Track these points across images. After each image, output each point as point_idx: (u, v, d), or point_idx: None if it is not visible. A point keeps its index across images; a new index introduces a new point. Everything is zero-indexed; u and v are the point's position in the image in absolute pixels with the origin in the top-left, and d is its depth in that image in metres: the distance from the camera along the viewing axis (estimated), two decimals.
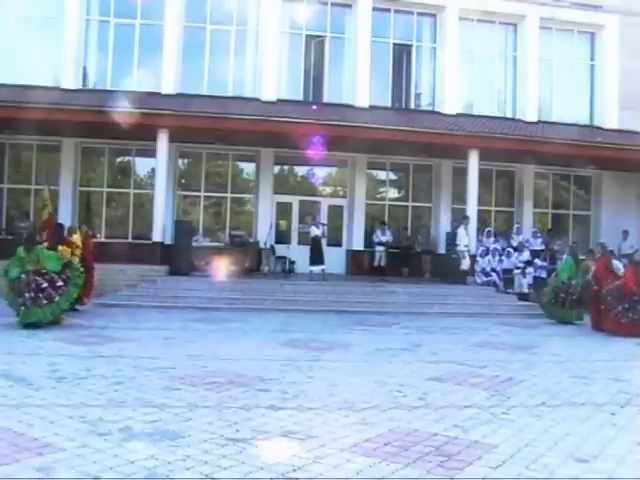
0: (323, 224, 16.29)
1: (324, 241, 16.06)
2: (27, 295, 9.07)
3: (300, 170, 19.18)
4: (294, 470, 3.74)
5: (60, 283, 9.39)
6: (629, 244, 17.10)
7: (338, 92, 18.34)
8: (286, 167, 19.23)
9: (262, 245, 16.82)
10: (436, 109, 18.53)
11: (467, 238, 15.79)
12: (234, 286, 14.14)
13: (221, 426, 4.58)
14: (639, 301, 11.06)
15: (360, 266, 17.76)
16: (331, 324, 11.28)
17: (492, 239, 17.08)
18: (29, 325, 9.01)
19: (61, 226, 11.93)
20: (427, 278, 17.26)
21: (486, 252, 16.38)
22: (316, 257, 15.47)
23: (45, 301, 9.18)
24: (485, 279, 15.98)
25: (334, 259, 16.41)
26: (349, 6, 18.34)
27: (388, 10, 18.41)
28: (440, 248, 17.63)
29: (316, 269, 15.43)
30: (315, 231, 15.69)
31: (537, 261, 16.11)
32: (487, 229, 17.50)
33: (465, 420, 4.96)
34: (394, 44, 18.59)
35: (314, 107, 16.74)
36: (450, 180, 18.58)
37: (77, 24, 16.85)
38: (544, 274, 15.61)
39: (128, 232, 17.52)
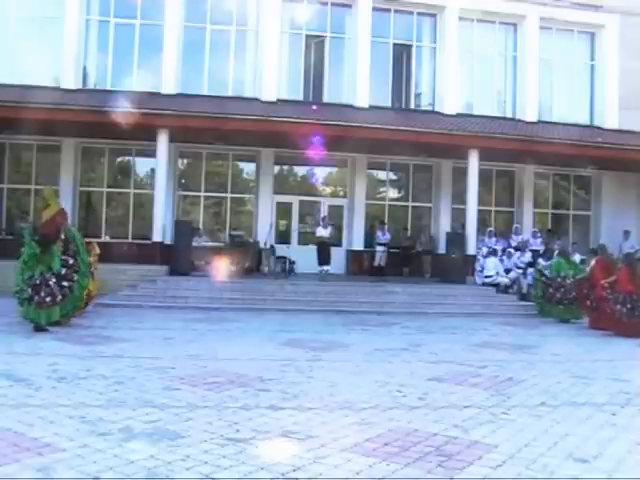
0: (332, 224, 16.47)
1: (331, 242, 16.28)
2: (42, 294, 9.03)
3: (300, 170, 19.20)
4: (294, 470, 3.74)
5: (65, 283, 9.36)
6: (630, 244, 17.09)
7: (338, 92, 18.35)
8: (286, 167, 19.23)
9: (262, 245, 16.83)
10: (436, 109, 18.55)
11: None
12: (234, 286, 14.14)
13: (221, 426, 4.58)
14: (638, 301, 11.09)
15: (360, 266, 17.80)
16: (331, 324, 11.28)
17: (494, 239, 17.09)
18: (40, 328, 8.96)
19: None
20: (427, 278, 17.27)
21: (493, 253, 16.32)
22: (321, 257, 15.77)
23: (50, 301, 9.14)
24: (504, 279, 15.96)
25: (334, 259, 16.43)
26: (349, 6, 18.35)
27: (388, 10, 18.42)
28: (440, 248, 17.61)
29: (324, 268, 15.76)
30: (321, 232, 15.85)
31: (541, 261, 16.08)
32: (488, 229, 17.53)
33: (465, 420, 4.96)
34: (394, 44, 18.61)
35: (314, 107, 16.75)
36: (450, 180, 18.58)
37: (77, 24, 16.86)
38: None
39: (128, 232, 17.53)
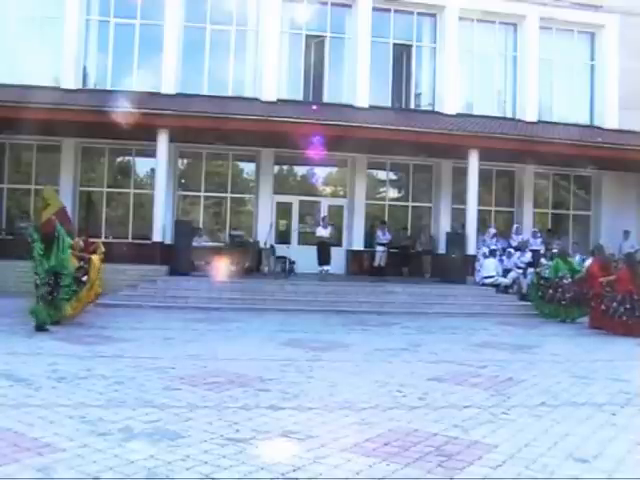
0: (332, 224, 16.51)
1: (331, 242, 16.32)
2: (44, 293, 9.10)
3: (300, 170, 19.20)
4: (294, 470, 3.74)
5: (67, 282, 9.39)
6: (630, 244, 17.10)
7: (338, 92, 18.35)
8: (286, 167, 19.23)
9: (262, 245, 16.83)
10: (436, 109, 18.54)
11: None
12: (234, 286, 14.13)
13: (221, 426, 4.58)
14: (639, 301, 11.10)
15: (360, 266, 17.80)
16: (331, 324, 11.28)
17: (494, 239, 17.09)
18: (40, 328, 8.98)
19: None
20: (427, 278, 17.27)
21: (492, 253, 16.31)
22: (321, 258, 15.83)
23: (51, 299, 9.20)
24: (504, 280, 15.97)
25: (334, 259, 16.44)
26: (349, 6, 18.34)
27: (388, 10, 18.42)
28: (440, 248, 17.60)
29: (324, 268, 15.82)
30: (321, 232, 15.89)
31: (543, 261, 16.08)
32: (493, 231, 17.55)
33: (465, 420, 4.96)
34: (394, 44, 18.60)
35: (314, 107, 16.74)
36: (450, 180, 18.58)
37: (77, 24, 16.85)
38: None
39: (128, 232, 17.52)
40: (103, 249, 11.50)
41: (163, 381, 6.03)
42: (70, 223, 12.10)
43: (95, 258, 10.70)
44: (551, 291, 13.10)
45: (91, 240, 11.54)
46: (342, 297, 14.01)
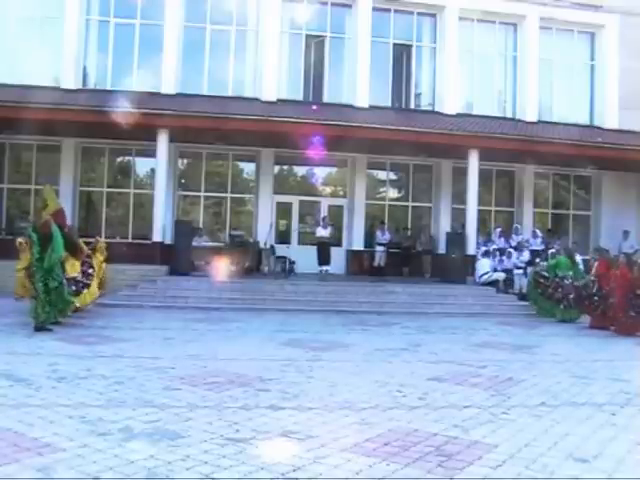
0: (331, 224, 16.53)
1: (331, 242, 16.35)
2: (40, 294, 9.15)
3: (300, 170, 19.20)
4: (294, 470, 3.74)
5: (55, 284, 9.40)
6: (629, 244, 17.09)
7: (338, 92, 18.36)
8: (286, 167, 19.23)
9: (262, 245, 16.83)
10: (436, 109, 18.55)
11: None
12: (234, 286, 14.14)
13: (221, 426, 4.58)
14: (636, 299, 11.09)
15: (360, 266, 17.80)
16: (331, 324, 11.28)
17: (502, 239, 17.13)
18: (40, 328, 8.98)
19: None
20: (427, 278, 17.28)
21: (486, 254, 16.33)
22: (321, 258, 15.84)
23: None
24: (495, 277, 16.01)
25: (334, 259, 16.45)
26: (349, 6, 18.35)
27: (388, 10, 18.43)
28: (440, 248, 17.60)
29: (324, 268, 15.84)
30: (321, 232, 15.90)
31: (537, 260, 16.08)
32: (499, 229, 17.56)
33: (465, 420, 4.96)
34: (394, 44, 18.61)
35: (314, 107, 16.75)
36: (450, 180, 18.59)
37: (77, 24, 16.86)
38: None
39: (128, 232, 17.52)
40: (101, 241, 11.69)
41: (163, 381, 6.03)
42: (66, 226, 12.10)
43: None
44: (550, 290, 13.12)
45: (88, 241, 11.64)
46: (342, 297, 14.02)
